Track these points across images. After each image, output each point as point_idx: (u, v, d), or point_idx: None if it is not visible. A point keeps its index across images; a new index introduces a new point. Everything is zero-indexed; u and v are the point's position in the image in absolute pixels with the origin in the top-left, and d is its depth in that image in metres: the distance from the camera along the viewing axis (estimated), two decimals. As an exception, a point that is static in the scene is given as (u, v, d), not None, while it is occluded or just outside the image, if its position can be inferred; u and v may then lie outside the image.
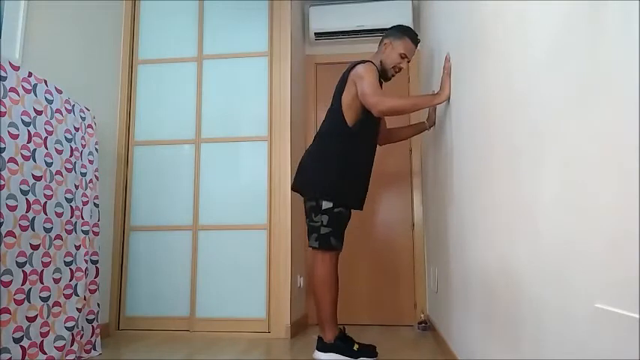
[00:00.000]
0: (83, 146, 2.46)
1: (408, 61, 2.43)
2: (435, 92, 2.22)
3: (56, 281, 2.17)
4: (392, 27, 2.48)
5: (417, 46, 2.45)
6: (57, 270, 2.18)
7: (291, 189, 2.42)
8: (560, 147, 0.86)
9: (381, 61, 2.41)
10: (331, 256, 2.26)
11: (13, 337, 1.91)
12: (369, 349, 2.25)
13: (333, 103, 2.37)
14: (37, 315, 2.03)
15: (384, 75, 2.42)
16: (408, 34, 2.41)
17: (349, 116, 2.29)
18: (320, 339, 2.25)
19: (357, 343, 2.25)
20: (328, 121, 2.37)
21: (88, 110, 2.57)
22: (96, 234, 2.47)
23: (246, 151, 3.07)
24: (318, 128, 2.42)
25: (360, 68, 2.29)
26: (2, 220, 1.89)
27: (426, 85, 3.19)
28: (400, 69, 2.42)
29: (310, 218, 2.29)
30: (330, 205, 2.23)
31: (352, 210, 2.34)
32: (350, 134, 2.29)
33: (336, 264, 2.28)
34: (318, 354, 2.23)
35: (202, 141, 3.12)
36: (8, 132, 1.96)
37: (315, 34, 3.66)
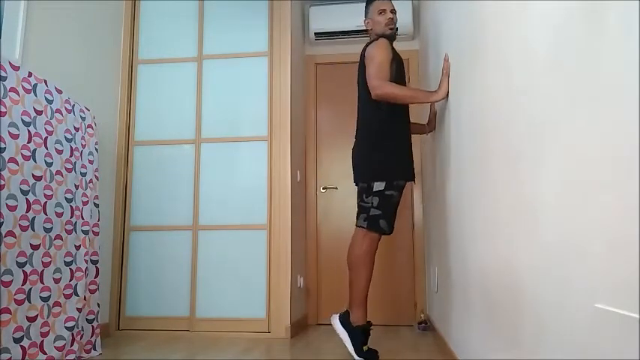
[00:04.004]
0: (83, 146, 2.46)
1: (392, 11, 2.44)
2: (436, 90, 2.23)
3: (56, 281, 2.17)
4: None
5: None
6: (57, 270, 2.18)
7: (355, 183, 2.41)
8: (561, 147, 0.86)
9: (377, 34, 2.43)
10: (373, 237, 2.26)
11: (13, 337, 1.91)
12: (373, 355, 2.24)
13: (360, 91, 2.40)
14: (37, 315, 2.03)
15: (390, 38, 2.43)
16: (370, 0, 2.48)
17: None
18: (347, 312, 2.25)
19: (369, 347, 2.25)
20: (362, 109, 2.40)
21: (88, 110, 2.57)
22: (96, 234, 2.47)
23: (246, 151, 3.07)
24: (356, 120, 2.44)
25: (370, 49, 2.33)
26: (2, 220, 1.89)
27: (426, 85, 3.19)
28: (391, 21, 2.42)
29: (362, 199, 2.30)
30: (382, 186, 2.23)
31: (405, 185, 2.34)
32: (384, 114, 2.30)
33: (376, 248, 2.28)
34: (335, 319, 2.24)
35: (202, 141, 3.12)
36: (8, 132, 1.96)
37: (315, 34, 3.66)
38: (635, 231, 0.60)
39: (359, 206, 2.32)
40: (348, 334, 2.21)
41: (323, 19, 3.63)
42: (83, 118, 2.50)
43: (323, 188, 3.66)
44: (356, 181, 2.38)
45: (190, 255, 3.01)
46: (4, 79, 1.97)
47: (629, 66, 0.62)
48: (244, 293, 2.93)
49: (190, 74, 3.20)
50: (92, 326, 2.39)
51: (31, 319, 2.00)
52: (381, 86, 2.20)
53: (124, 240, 3.07)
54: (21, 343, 1.94)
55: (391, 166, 2.27)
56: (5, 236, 1.90)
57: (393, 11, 2.44)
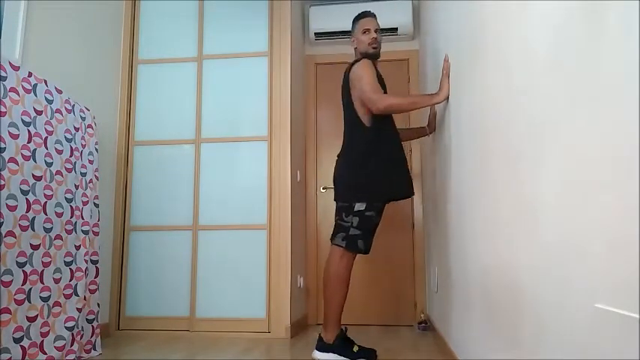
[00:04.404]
0: (83, 146, 2.46)
1: (376, 30, 2.44)
2: (437, 93, 2.23)
3: (56, 281, 2.17)
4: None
5: (370, 17, 2.47)
6: (57, 270, 2.18)
7: (335, 200, 2.39)
8: (561, 147, 0.86)
9: (361, 53, 2.44)
10: (350, 257, 2.27)
11: (13, 337, 1.91)
12: (370, 352, 2.25)
13: (346, 110, 2.40)
14: (37, 315, 2.03)
15: (373, 57, 2.43)
16: (356, 18, 2.50)
17: (364, 117, 2.31)
18: (320, 338, 2.26)
19: (358, 346, 2.25)
20: (348, 128, 2.39)
21: (88, 110, 2.57)
22: (96, 234, 2.47)
23: (246, 151, 3.07)
24: (343, 138, 2.43)
25: (356, 68, 2.33)
26: (2, 220, 1.89)
27: (426, 84, 3.19)
28: (374, 40, 2.42)
29: (341, 217, 2.29)
30: (363, 207, 2.24)
31: (406, 197, 2.34)
32: (370, 133, 2.30)
33: (352, 265, 2.29)
34: (316, 353, 2.24)
35: (202, 141, 3.12)
36: (8, 132, 1.96)
37: (315, 34, 3.66)
38: (635, 231, 0.60)
39: (337, 224, 2.30)
40: (334, 352, 2.21)
41: (323, 19, 3.64)
42: (83, 118, 2.50)
43: (323, 188, 3.66)
44: (336, 199, 2.36)
45: (190, 255, 3.01)
46: (4, 79, 1.97)
47: (629, 66, 0.62)
48: (244, 293, 2.93)
49: (190, 74, 3.20)
50: (92, 326, 2.39)
51: (31, 319, 2.00)
52: (381, 99, 2.20)
53: (124, 240, 3.07)
54: (21, 343, 1.94)
55: (374, 187, 2.26)
56: (5, 236, 1.90)
57: (377, 30, 2.45)
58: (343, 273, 2.25)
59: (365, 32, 2.42)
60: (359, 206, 2.24)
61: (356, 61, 2.37)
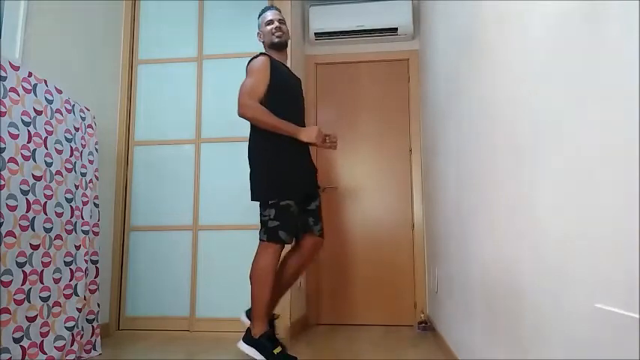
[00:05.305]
0: (83, 146, 2.46)
1: (279, 21, 2.47)
2: (305, 129, 2.29)
3: (56, 281, 2.17)
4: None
5: (272, 10, 2.50)
6: (57, 270, 2.18)
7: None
8: (561, 147, 0.86)
9: (268, 45, 2.47)
10: (276, 249, 2.22)
11: (13, 337, 1.91)
12: (287, 356, 2.16)
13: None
14: (36, 315, 2.03)
15: (278, 46, 2.46)
16: (259, 14, 2.54)
17: None
18: (248, 330, 2.22)
19: (282, 349, 2.17)
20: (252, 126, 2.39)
21: (88, 110, 2.57)
22: (96, 234, 2.47)
23: (246, 151, 3.06)
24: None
25: (252, 62, 2.36)
26: (2, 220, 1.89)
27: (426, 84, 3.19)
28: (278, 29, 2.44)
29: (260, 212, 2.28)
30: (275, 199, 2.22)
31: (302, 200, 2.32)
32: (260, 131, 2.30)
33: (279, 259, 2.25)
34: (241, 344, 2.20)
35: (202, 141, 3.12)
36: (8, 132, 1.96)
37: (315, 34, 3.66)
38: (635, 231, 0.60)
39: (260, 221, 2.28)
40: (256, 349, 2.16)
41: (323, 19, 3.64)
42: (83, 118, 2.49)
43: (323, 188, 3.66)
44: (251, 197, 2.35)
45: (190, 255, 3.01)
46: (4, 79, 1.97)
47: (629, 66, 0.62)
48: (244, 293, 2.91)
49: (190, 74, 3.20)
50: (92, 326, 2.39)
51: (31, 319, 2.00)
52: (247, 107, 2.23)
53: (124, 240, 3.07)
54: (21, 343, 1.94)
55: (282, 183, 2.25)
56: (5, 236, 1.90)
57: (281, 21, 2.48)
58: (268, 267, 2.20)
59: (268, 23, 2.46)
60: (272, 199, 2.23)
61: (259, 54, 2.39)
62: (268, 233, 2.21)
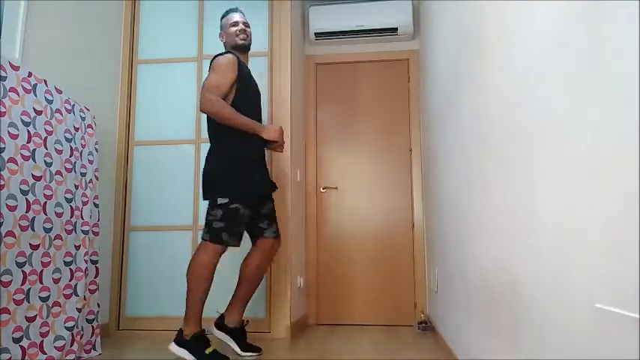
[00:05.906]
0: (83, 146, 2.46)
1: (243, 23, 2.47)
2: (267, 126, 2.34)
3: (56, 281, 2.17)
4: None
5: (237, 12, 2.51)
6: (57, 270, 2.18)
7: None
8: (560, 147, 0.86)
9: (231, 46, 2.47)
10: (215, 249, 2.21)
11: (12, 337, 1.90)
12: (219, 356, 2.17)
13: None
14: (36, 315, 2.03)
15: (242, 48, 2.46)
16: (223, 16, 2.54)
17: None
18: (180, 331, 2.20)
19: (214, 349, 2.17)
20: (208, 120, 2.39)
21: (88, 110, 2.57)
22: (96, 234, 2.47)
23: (246, 151, 3.06)
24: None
25: (217, 59, 2.35)
26: (2, 220, 1.89)
27: (425, 84, 3.19)
28: (242, 31, 2.45)
29: (208, 212, 2.28)
30: (226, 200, 2.22)
31: (255, 202, 2.33)
32: (224, 128, 2.30)
33: (217, 260, 2.24)
34: (173, 346, 2.18)
35: (202, 141, 3.11)
36: (8, 132, 1.96)
37: (315, 34, 3.66)
38: (635, 231, 0.60)
39: (205, 220, 2.27)
40: (187, 350, 2.15)
41: (323, 19, 3.64)
42: (83, 118, 2.49)
43: (323, 188, 3.66)
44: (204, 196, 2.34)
45: (190, 255, 3.00)
46: (4, 79, 1.97)
47: (629, 66, 0.62)
48: (244, 293, 2.92)
49: (190, 74, 3.20)
50: (92, 326, 2.39)
51: (30, 319, 2.00)
52: (210, 102, 2.23)
53: (123, 240, 3.06)
54: (20, 343, 1.93)
55: (237, 184, 2.25)
56: (5, 236, 1.90)
57: (246, 24, 2.49)
58: (204, 267, 2.20)
59: (233, 25, 2.46)
60: (221, 200, 2.23)
61: (224, 52, 2.39)
62: (211, 233, 2.21)
